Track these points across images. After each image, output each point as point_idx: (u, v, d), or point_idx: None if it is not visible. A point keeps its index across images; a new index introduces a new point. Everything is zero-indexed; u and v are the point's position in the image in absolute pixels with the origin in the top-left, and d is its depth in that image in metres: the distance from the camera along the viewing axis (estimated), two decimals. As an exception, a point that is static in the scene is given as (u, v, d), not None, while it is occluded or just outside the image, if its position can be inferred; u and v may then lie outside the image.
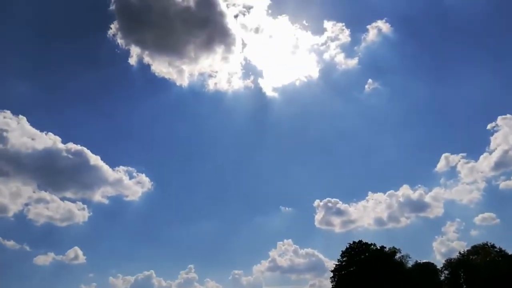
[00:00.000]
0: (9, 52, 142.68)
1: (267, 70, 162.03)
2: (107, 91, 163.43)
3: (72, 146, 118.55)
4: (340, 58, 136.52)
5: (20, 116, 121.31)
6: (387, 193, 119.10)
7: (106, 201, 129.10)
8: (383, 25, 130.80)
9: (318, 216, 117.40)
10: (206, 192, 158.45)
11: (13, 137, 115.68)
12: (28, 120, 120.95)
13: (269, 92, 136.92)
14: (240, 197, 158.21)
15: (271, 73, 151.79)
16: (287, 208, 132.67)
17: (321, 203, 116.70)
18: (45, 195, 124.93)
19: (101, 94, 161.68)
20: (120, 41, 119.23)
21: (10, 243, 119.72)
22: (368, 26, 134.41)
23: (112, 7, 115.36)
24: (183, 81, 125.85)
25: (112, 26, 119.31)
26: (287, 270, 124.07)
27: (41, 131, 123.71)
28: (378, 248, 71.41)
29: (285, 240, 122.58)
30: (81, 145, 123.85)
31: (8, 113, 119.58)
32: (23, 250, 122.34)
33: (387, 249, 71.75)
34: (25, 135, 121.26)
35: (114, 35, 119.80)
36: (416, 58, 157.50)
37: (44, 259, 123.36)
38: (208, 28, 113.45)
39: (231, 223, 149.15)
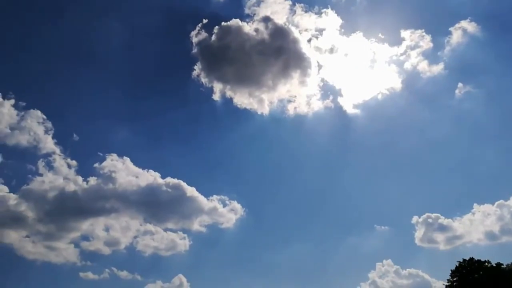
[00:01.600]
0: (110, 99, 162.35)
1: (345, 88, 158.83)
2: (196, 127, 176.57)
3: (170, 180, 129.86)
4: (423, 65, 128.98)
5: (125, 157, 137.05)
6: (496, 204, 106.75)
7: (203, 230, 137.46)
8: (467, 25, 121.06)
9: (419, 233, 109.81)
10: (297, 215, 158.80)
11: (120, 176, 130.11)
12: (131, 160, 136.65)
13: (350, 110, 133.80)
14: (331, 219, 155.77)
15: (350, 90, 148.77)
16: (382, 227, 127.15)
17: (420, 219, 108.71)
18: (150, 227, 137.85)
19: (191, 130, 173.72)
20: (203, 80, 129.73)
21: (124, 273, 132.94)
22: (451, 28, 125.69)
23: (194, 50, 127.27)
24: (264, 109, 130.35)
25: (195, 67, 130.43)
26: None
27: (143, 168, 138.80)
28: (494, 265, 65.09)
29: (384, 261, 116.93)
30: (177, 179, 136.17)
31: (114, 155, 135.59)
32: (135, 279, 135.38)
33: (504, 266, 65.09)
34: (130, 174, 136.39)
35: (198, 75, 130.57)
36: (510, 55, 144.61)
37: (153, 287, 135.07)
38: (283, 56, 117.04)
39: (326, 245, 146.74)
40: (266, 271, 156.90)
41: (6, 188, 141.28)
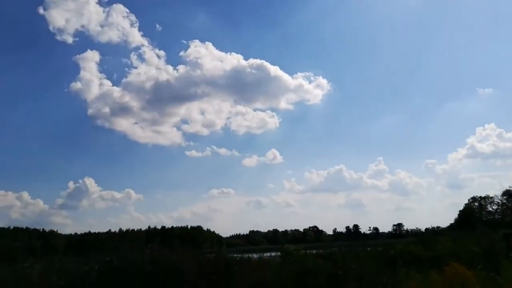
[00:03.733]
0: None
1: None
2: (273, 3, 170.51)
3: (253, 61, 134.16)
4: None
5: (207, 42, 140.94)
6: None
7: (291, 107, 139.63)
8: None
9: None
10: (388, 84, 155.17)
11: (206, 62, 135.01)
12: (213, 45, 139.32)
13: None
14: (427, 84, 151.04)
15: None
16: (485, 90, 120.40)
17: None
18: (241, 108, 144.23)
19: (269, 8, 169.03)
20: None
21: (223, 150, 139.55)
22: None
23: None
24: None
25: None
26: (490, 156, 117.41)
27: (226, 52, 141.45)
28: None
29: (486, 125, 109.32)
30: (260, 59, 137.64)
31: (197, 41, 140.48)
32: (233, 155, 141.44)
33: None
34: (214, 59, 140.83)
35: None
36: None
37: (250, 161, 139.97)
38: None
39: (420, 112, 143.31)
40: (355, 142, 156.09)
41: (109, 83, 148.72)
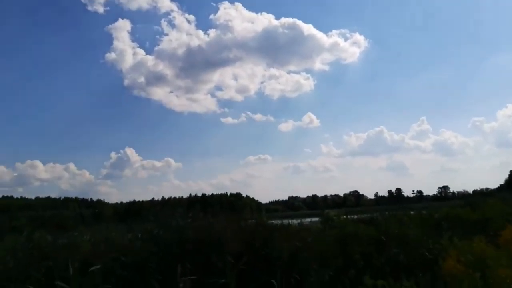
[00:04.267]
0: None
1: None
2: None
3: (285, 20, 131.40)
4: None
5: (236, 3, 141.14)
6: None
7: (326, 68, 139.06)
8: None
9: None
10: (429, 37, 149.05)
11: (236, 24, 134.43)
12: (243, 5, 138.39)
13: None
14: (473, 35, 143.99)
15: None
16: None
17: None
18: (274, 71, 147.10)
19: None
20: None
21: (258, 116, 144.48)
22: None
23: None
24: None
25: None
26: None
27: (256, 12, 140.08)
28: None
29: None
30: (292, 18, 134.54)
31: (226, 3, 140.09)
32: (268, 120, 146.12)
33: None
34: (245, 20, 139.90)
35: None
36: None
37: (286, 126, 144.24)
38: None
39: (466, 66, 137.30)
40: (396, 102, 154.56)
41: (142, 51, 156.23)
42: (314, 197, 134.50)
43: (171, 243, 7.03)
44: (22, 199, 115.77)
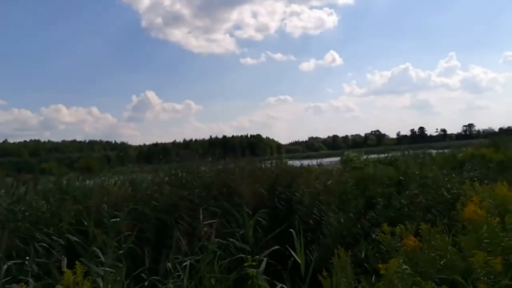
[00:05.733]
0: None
1: None
2: None
3: None
4: None
5: None
6: None
7: (351, 2, 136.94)
8: None
9: None
10: None
11: None
12: None
13: None
14: None
15: None
16: None
17: None
18: (295, 7, 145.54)
19: None
20: None
21: (278, 56, 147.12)
22: None
23: None
24: None
25: None
26: None
27: None
28: None
29: None
30: None
31: None
32: (289, 60, 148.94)
33: None
34: None
35: None
36: None
37: (307, 66, 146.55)
38: None
39: None
40: (423, 37, 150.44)
41: None
42: (335, 137, 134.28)
43: (194, 186, 7.25)
44: (50, 142, 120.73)
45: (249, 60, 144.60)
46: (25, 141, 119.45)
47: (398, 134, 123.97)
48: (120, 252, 4.63)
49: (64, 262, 4.20)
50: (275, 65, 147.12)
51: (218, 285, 4.05)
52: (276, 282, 3.99)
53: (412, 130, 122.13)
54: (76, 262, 3.11)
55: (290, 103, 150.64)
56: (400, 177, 9.36)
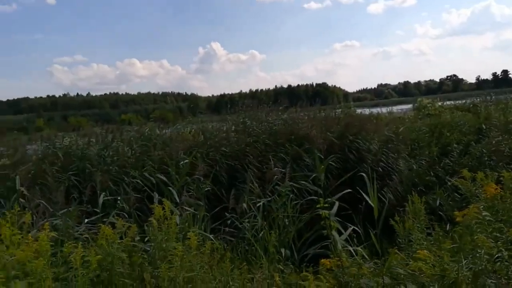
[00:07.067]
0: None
1: None
2: None
3: None
4: None
5: None
6: None
7: None
8: None
9: None
10: None
11: None
12: None
13: None
14: None
15: None
16: None
17: None
18: None
19: None
20: None
21: None
22: None
23: None
24: None
25: None
26: None
27: None
28: None
29: None
30: None
31: None
32: (356, 2, 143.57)
33: None
34: None
35: None
36: None
37: (376, 7, 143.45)
38: None
39: None
40: None
41: None
42: (406, 83, 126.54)
43: (262, 134, 7.44)
44: (127, 95, 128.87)
45: (313, 4, 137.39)
46: (105, 94, 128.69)
47: (477, 79, 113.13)
48: (201, 192, 5.02)
49: (156, 198, 4.67)
50: (341, 8, 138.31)
51: (291, 225, 4.27)
52: (348, 224, 4.10)
53: (494, 74, 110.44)
54: (163, 199, 3.46)
55: (357, 48, 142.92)
56: (481, 124, 8.78)
